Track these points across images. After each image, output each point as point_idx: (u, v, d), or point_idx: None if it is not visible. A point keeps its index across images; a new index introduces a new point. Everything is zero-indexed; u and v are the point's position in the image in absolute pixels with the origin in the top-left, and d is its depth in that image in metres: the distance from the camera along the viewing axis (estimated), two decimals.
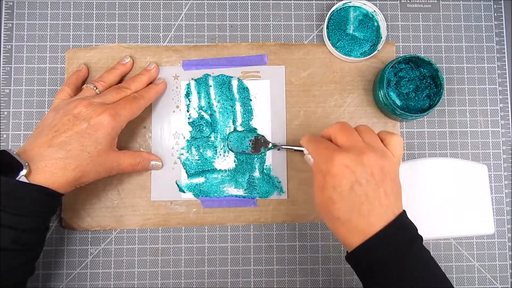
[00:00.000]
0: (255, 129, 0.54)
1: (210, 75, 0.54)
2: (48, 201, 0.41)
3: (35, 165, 0.40)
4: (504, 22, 0.57)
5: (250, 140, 0.52)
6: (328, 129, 0.42)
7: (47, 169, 0.40)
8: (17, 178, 0.39)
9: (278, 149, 0.53)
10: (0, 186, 0.37)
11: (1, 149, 0.40)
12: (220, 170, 0.53)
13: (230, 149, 0.52)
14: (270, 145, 0.52)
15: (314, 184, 0.40)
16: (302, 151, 0.47)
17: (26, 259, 0.40)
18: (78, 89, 0.50)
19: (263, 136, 0.53)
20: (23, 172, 0.39)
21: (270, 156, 0.54)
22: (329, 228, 0.40)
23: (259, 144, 0.52)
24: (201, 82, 0.54)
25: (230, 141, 0.52)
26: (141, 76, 0.51)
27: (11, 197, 0.38)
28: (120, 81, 0.52)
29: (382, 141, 0.41)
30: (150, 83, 0.52)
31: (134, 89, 0.49)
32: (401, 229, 0.38)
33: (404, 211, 0.39)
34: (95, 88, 0.48)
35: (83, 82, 0.52)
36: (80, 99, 0.45)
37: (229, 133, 0.53)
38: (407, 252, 0.36)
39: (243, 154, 0.53)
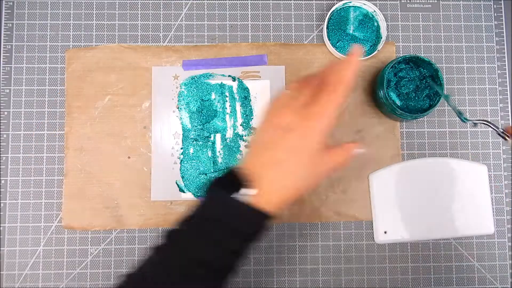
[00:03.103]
0: (255, 129, 0.54)
1: (210, 76, 0.54)
2: (261, 224, 0.39)
3: (258, 186, 0.39)
4: (504, 22, 0.57)
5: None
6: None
7: (269, 189, 0.39)
8: (242, 198, 0.38)
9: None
10: (229, 206, 0.38)
11: (231, 167, 0.41)
12: (220, 170, 0.53)
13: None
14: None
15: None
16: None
17: (214, 279, 0.39)
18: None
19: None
20: (250, 191, 0.38)
21: None
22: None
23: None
24: (201, 82, 0.54)
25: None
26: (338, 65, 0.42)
27: (235, 217, 0.38)
28: None
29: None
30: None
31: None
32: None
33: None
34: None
35: None
36: (284, 108, 0.41)
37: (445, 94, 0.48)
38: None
39: (242, 156, 0.53)
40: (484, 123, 0.44)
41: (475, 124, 0.46)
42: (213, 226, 0.38)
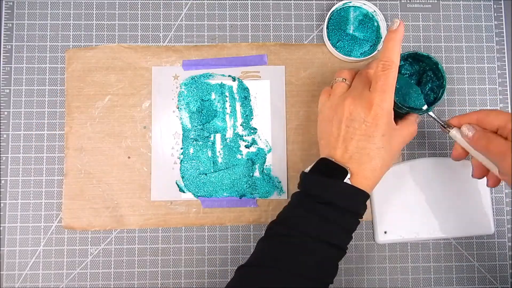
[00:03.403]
0: (255, 129, 0.54)
1: (210, 76, 0.54)
2: (364, 203, 0.43)
3: (351, 171, 0.42)
4: (504, 22, 0.57)
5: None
6: (500, 119, 0.41)
7: (360, 174, 0.42)
8: (345, 181, 0.41)
9: (422, 113, 0.48)
10: (336, 187, 0.41)
11: (321, 157, 0.44)
12: (220, 170, 0.53)
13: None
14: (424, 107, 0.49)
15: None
16: (447, 130, 0.45)
17: (338, 257, 0.43)
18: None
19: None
20: (348, 175, 0.41)
21: (270, 156, 0.54)
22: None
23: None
24: (201, 82, 0.54)
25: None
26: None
27: (344, 197, 0.41)
28: None
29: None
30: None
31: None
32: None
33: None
34: (343, 80, 0.47)
35: None
36: (341, 98, 0.45)
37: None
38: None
39: (244, 154, 0.53)
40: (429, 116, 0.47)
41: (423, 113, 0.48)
42: (327, 208, 0.41)
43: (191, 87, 0.54)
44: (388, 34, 0.43)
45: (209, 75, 0.54)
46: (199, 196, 0.53)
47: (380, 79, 0.42)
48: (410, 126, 0.46)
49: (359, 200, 0.42)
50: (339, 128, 0.43)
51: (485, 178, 0.46)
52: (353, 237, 0.43)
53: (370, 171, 0.42)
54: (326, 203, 0.41)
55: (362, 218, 0.43)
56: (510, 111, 0.56)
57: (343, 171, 0.42)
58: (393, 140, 0.44)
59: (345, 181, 0.41)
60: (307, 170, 0.43)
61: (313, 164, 0.43)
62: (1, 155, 0.53)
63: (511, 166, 0.38)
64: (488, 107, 0.56)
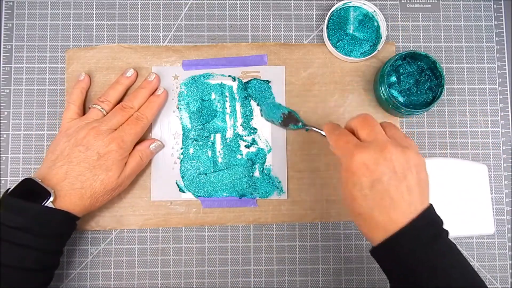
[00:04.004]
0: (255, 129, 0.54)
1: (210, 76, 0.54)
2: (69, 225, 0.46)
3: (56, 193, 0.44)
4: (504, 22, 0.57)
5: (283, 114, 0.51)
6: (351, 120, 0.41)
7: (67, 198, 0.44)
8: (44, 204, 0.42)
9: (306, 130, 0.50)
10: (28, 211, 0.41)
11: (26, 177, 0.44)
12: (220, 170, 0.53)
13: (261, 115, 0.53)
14: (300, 124, 0.50)
15: (340, 175, 0.39)
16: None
17: (44, 279, 0.44)
18: (83, 103, 0.52)
19: (296, 114, 0.51)
20: (51, 199, 0.43)
21: (270, 156, 0.54)
22: (353, 219, 0.40)
23: (290, 119, 0.51)
24: (201, 82, 0.54)
25: (264, 108, 0.53)
26: (142, 90, 0.51)
27: (39, 221, 0.42)
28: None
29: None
30: (152, 93, 0.52)
31: (137, 106, 0.50)
32: (425, 224, 0.37)
33: (430, 205, 0.38)
34: (102, 109, 0.49)
35: (87, 91, 0.53)
36: (89, 128, 0.47)
37: (263, 104, 0.53)
38: (430, 247, 0.36)
39: (244, 154, 0.53)
40: (312, 128, 0.48)
41: (307, 130, 0.49)
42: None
43: (191, 87, 0.54)
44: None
45: (209, 75, 0.54)
46: (199, 196, 0.53)
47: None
48: (131, 164, 0.49)
49: (47, 220, 0.43)
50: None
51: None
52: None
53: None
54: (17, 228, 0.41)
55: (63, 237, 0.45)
56: (510, 111, 0.56)
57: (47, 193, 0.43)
58: (118, 179, 0.47)
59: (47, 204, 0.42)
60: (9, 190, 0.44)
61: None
62: (1, 155, 0.53)
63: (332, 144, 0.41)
64: (488, 107, 0.56)
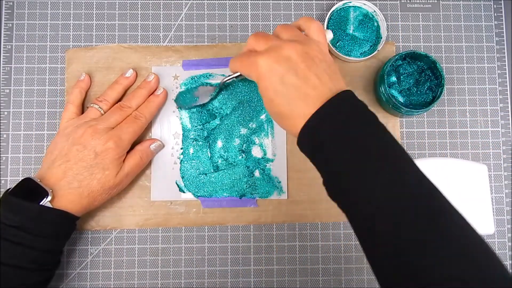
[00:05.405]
0: (255, 129, 0.54)
1: (210, 76, 0.54)
2: (67, 225, 0.46)
3: (54, 193, 0.44)
4: (504, 22, 0.57)
5: (195, 93, 0.52)
6: (246, 43, 0.43)
7: (65, 197, 0.44)
8: (41, 204, 0.42)
9: (224, 85, 0.51)
10: (26, 210, 0.42)
11: (26, 177, 0.44)
12: (220, 170, 0.53)
13: (180, 108, 0.53)
14: (214, 88, 0.51)
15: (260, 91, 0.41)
16: (241, 74, 0.46)
17: (41, 278, 0.44)
18: (82, 103, 0.52)
19: (207, 84, 0.52)
20: (49, 198, 0.43)
21: (270, 156, 0.54)
22: (280, 125, 0.41)
23: (205, 92, 0.52)
24: (201, 82, 0.54)
25: (178, 100, 0.53)
26: (141, 90, 0.51)
27: (37, 220, 0.42)
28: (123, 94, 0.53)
29: (302, 31, 0.43)
30: (151, 93, 0.52)
31: (135, 106, 0.50)
32: (342, 103, 0.37)
33: (349, 90, 0.38)
34: (99, 109, 0.49)
35: (87, 92, 0.53)
36: (86, 126, 0.47)
37: (177, 94, 0.53)
38: (352, 122, 0.36)
39: (244, 154, 0.53)
40: (227, 79, 0.49)
41: (225, 84, 0.50)
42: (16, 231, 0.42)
43: (191, 87, 0.54)
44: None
45: (209, 75, 0.54)
46: (199, 196, 0.53)
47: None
48: (130, 163, 0.49)
49: (45, 219, 0.43)
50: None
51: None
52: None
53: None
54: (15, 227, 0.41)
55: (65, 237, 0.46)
56: (510, 111, 0.56)
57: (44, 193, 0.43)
58: (115, 178, 0.47)
59: (44, 203, 0.43)
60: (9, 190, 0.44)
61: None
62: (1, 155, 0.53)
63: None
64: (488, 107, 0.56)
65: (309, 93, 0.37)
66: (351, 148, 0.35)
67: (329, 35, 0.46)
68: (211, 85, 0.53)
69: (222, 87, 0.51)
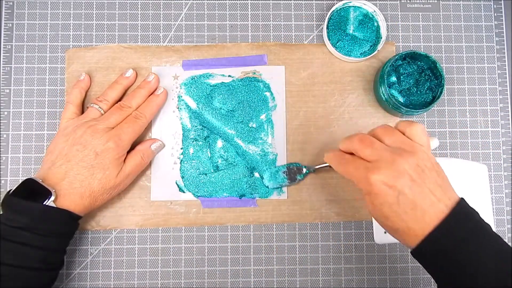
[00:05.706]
0: (255, 129, 0.54)
1: (210, 76, 0.54)
2: (71, 224, 0.46)
3: (57, 193, 0.44)
4: (504, 22, 0.57)
5: (284, 172, 0.52)
6: (347, 143, 0.41)
7: (67, 198, 0.44)
8: (45, 204, 0.43)
9: (314, 171, 0.52)
10: (32, 210, 0.42)
11: (27, 178, 0.44)
12: (220, 170, 0.53)
13: (267, 186, 0.52)
14: (305, 170, 0.52)
15: (363, 198, 0.40)
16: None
17: (48, 279, 0.44)
18: (82, 103, 0.52)
19: (295, 164, 0.53)
20: (52, 198, 0.43)
21: (270, 156, 0.53)
22: (393, 236, 0.40)
23: (293, 173, 0.52)
24: (201, 82, 0.54)
25: (265, 179, 0.52)
26: (140, 90, 0.51)
27: (42, 220, 0.42)
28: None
29: (404, 134, 0.41)
30: (151, 93, 0.52)
31: (135, 106, 0.50)
32: (459, 218, 0.37)
33: (461, 199, 0.38)
34: (99, 109, 0.49)
35: (87, 92, 0.53)
36: (86, 126, 0.47)
37: (263, 172, 0.53)
38: (470, 238, 0.36)
39: (243, 154, 0.53)
40: (317, 168, 0.51)
41: (314, 171, 0.52)
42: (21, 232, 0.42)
43: (191, 87, 0.54)
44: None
45: (209, 75, 0.54)
46: (199, 196, 0.53)
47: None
48: (131, 163, 0.49)
49: (50, 219, 0.43)
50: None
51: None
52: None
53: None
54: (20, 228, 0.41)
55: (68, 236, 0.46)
56: (510, 111, 0.56)
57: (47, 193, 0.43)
58: (116, 178, 0.47)
59: (48, 203, 0.43)
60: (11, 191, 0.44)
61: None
62: (1, 155, 0.53)
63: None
64: (488, 107, 0.56)
65: (426, 210, 0.37)
66: (471, 265, 0.36)
67: (435, 142, 0.44)
68: (287, 164, 0.53)
69: (312, 171, 0.52)
